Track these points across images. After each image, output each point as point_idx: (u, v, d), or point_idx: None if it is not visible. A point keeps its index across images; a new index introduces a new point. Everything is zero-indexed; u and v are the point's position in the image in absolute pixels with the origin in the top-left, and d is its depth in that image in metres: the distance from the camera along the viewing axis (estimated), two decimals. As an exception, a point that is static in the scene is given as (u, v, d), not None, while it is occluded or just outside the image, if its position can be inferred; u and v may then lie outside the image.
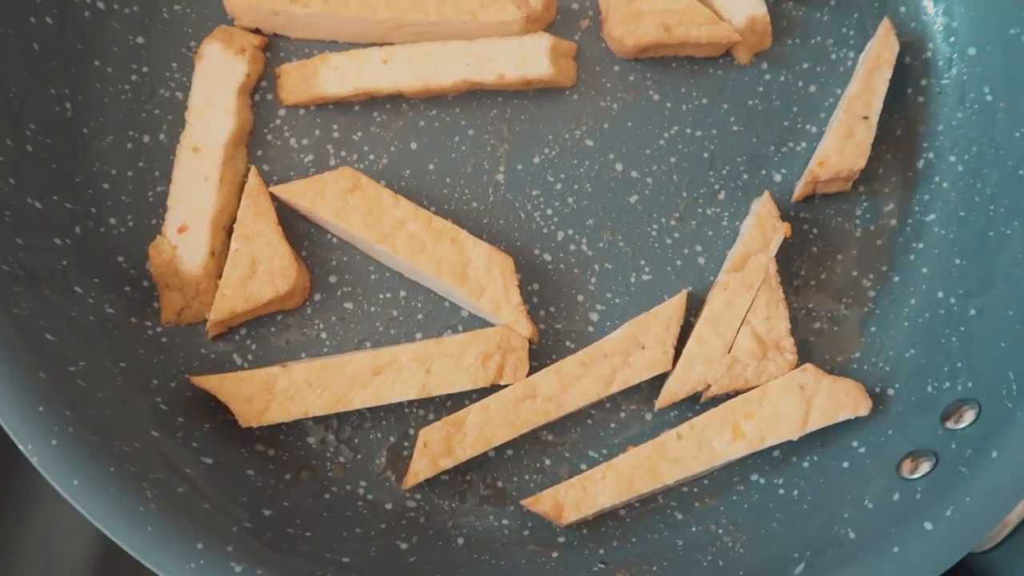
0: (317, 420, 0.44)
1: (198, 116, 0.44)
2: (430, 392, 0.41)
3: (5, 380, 0.34)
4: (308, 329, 0.45)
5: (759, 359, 0.43)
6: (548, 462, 0.45)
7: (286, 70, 0.46)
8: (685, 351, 0.43)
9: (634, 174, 0.47)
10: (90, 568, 0.46)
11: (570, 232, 0.47)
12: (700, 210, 0.47)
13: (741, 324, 0.43)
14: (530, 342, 0.43)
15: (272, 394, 0.40)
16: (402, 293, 0.45)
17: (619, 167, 0.47)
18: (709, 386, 0.43)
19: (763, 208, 0.45)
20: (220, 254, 0.43)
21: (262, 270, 0.42)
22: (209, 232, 0.42)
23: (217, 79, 0.44)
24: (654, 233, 0.47)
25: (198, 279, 0.42)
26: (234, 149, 0.44)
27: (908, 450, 0.41)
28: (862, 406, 0.42)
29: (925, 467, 0.40)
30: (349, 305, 0.45)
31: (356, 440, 0.44)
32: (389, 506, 0.43)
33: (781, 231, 0.44)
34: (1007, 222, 0.45)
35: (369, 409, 0.44)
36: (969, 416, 0.41)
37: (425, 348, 0.42)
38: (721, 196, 0.48)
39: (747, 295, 0.43)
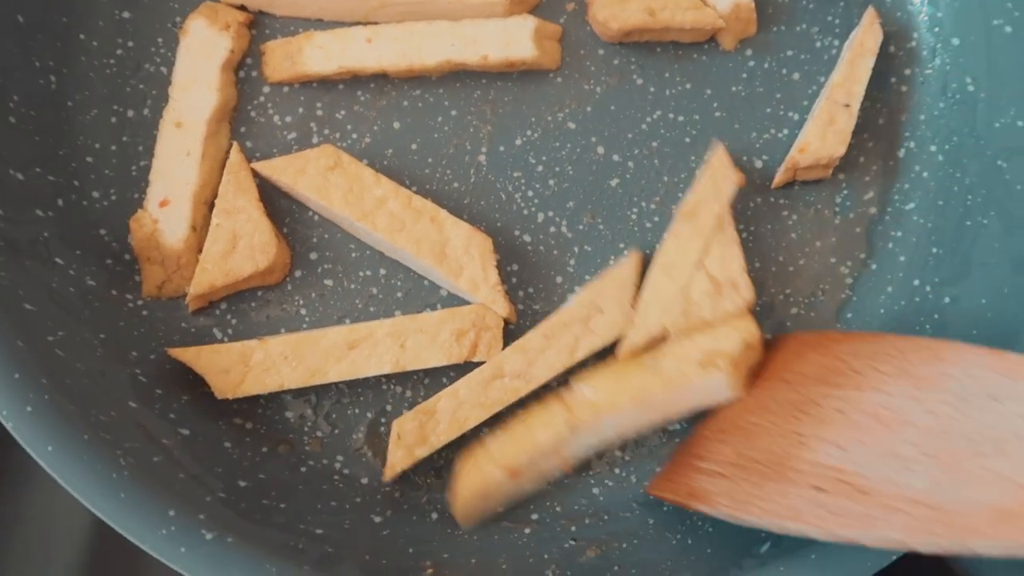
0: (296, 395, 0.44)
1: (182, 91, 0.44)
2: (404, 367, 0.42)
3: (-19, 347, 0.34)
4: (288, 305, 0.45)
5: (713, 297, 0.42)
6: (524, 441, 0.45)
7: (271, 47, 0.46)
8: (640, 301, 0.43)
9: (616, 158, 0.48)
10: (84, 547, 0.47)
11: (550, 214, 0.47)
12: (680, 195, 0.48)
13: (695, 269, 0.43)
14: (507, 322, 0.44)
15: (248, 366, 0.41)
16: (382, 271, 0.46)
17: (601, 150, 0.48)
18: (668, 332, 0.43)
19: (716, 158, 0.45)
20: (201, 229, 0.43)
21: (242, 245, 0.42)
22: (191, 207, 0.43)
23: (201, 55, 0.44)
24: (634, 217, 0.47)
25: (179, 253, 0.42)
26: (217, 125, 0.44)
27: (878, 434, 0.42)
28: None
29: (893, 451, 0.41)
30: (329, 282, 0.46)
31: (334, 415, 0.44)
32: (365, 481, 0.44)
33: (734, 180, 0.44)
34: (984, 212, 0.45)
35: (347, 385, 0.44)
36: (939, 402, 0.41)
37: (400, 324, 0.42)
38: (702, 181, 0.48)
39: (699, 241, 0.43)
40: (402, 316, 0.43)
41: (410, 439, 0.42)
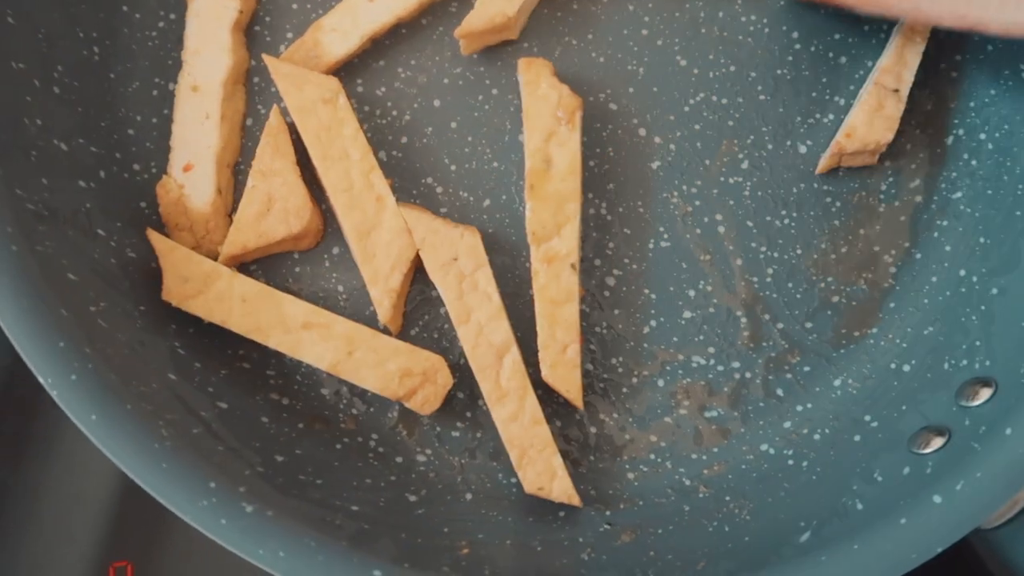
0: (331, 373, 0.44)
1: (194, 55, 0.43)
2: (339, 373, 0.41)
3: (28, 315, 0.34)
4: (324, 282, 0.45)
5: None
6: (559, 424, 0.45)
7: (288, 54, 0.44)
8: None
9: (657, 140, 0.47)
10: (107, 519, 0.47)
11: (590, 195, 0.46)
12: (722, 179, 0.47)
13: None
14: (389, 331, 0.43)
15: (206, 287, 0.40)
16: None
17: (642, 132, 0.47)
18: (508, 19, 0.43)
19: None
20: (227, 192, 0.43)
21: (277, 208, 0.42)
22: (214, 169, 0.43)
23: (210, 17, 0.44)
24: (675, 200, 0.47)
25: (207, 217, 0.42)
26: (233, 87, 0.44)
27: (921, 425, 0.41)
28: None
29: (937, 443, 0.40)
30: (367, 260, 0.45)
31: (369, 394, 0.44)
32: (399, 460, 0.44)
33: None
34: (1035, 201, 0.44)
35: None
36: (985, 394, 0.40)
37: (359, 332, 0.41)
38: (744, 165, 0.47)
39: None
40: (365, 327, 0.42)
41: (543, 474, 0.41)
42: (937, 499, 0.37)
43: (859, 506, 0.39)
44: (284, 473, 0.38)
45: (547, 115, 0.43)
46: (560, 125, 0.43)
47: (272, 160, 0.42)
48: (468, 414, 0.44)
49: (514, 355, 0.42)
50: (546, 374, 0.42)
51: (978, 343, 0.43)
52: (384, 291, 0.42)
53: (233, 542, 0.33)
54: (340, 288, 0.45)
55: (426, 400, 0.42)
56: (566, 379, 0.43)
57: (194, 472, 0.34)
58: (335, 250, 0.45)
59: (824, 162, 0.47)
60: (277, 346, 0.41)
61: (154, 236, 0.41)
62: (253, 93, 0.46)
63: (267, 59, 0.43)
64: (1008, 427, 0.37)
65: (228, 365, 0.42)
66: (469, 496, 0.43)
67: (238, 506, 0.34)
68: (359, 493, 0.40)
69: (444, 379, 0.42)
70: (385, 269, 0.42)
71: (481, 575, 0.36)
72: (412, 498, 0.42)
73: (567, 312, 0.43)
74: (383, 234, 0.42)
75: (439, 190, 0.46)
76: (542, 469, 0.42)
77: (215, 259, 0.43)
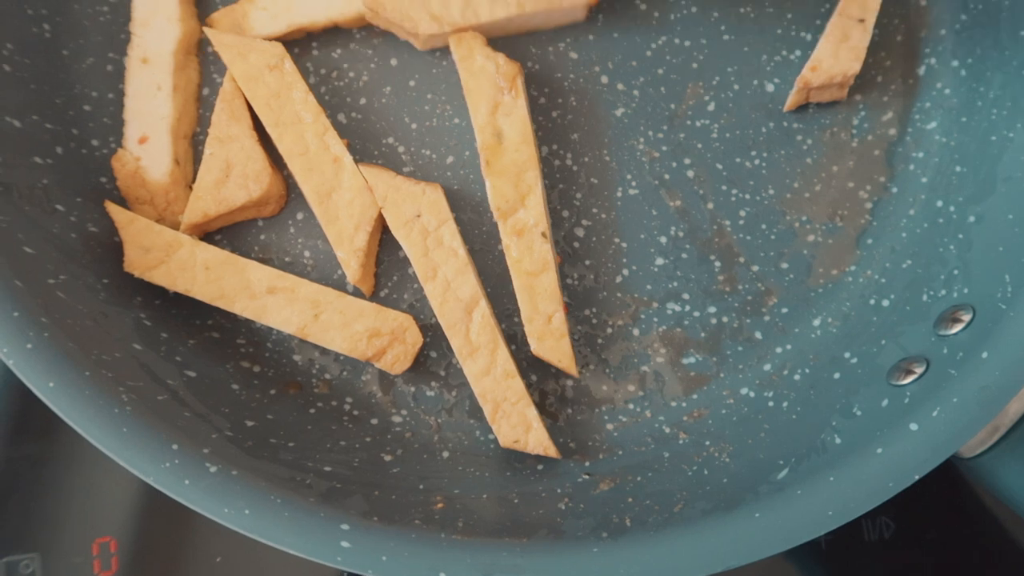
0: (304, 339, 0.44)
1: (142, 27, 0.43)
2: (307, 336, 0.41)
3: (-20, 287, 0.34)
4: (290, 247, 0.45)
5: None
6: (535, 377, 0.44)
7: (216, 18, 0.44)
8: None
9: (620, 87, 0.46)
10: (94, 485, 0.47)
11: (555, 147, 0.46)
12: (689, 122, 0.46)
13: None
14: (362, 294, 0.43)
15: (168, 256, 0.40)
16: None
17: (604, 80, 0.46)
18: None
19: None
20: (186, 162, 0.43)
21: (236, 174, 0.41)
22: (170, 140, 0.42)
23: None
24: (641, 146, 0.46)
25: (166, 188, 0.42)
26: (184, 57, 0.44)
27: (900, 357, 0.41)
28: None
29: (916, 373, 0.39)
30: (332, 224, 0.45)
31: (343, 357, 0.44)
32: (375, 421, 0.43)
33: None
34: (1010, 125, 0.43)
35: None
36: (963, 321, 0.39)
37: (324, 294, 0.41)
38: (711, 108, 0.46)
39: None
40: (331, 289, 0.41)
41: (518, 427, 0.41)
42: (914, 427, 0.36)
43: (837, 441, 0.38)
44: (254, 437, 0.38)
45: (488, 87, 0.42)
46: (503, 95, 0.42)
47: (228, 126, 0.42)
48: (443, 373, 0.44)
49: (483, 309, 0.42)
50: (535, 348, 0.42)
51: (956, 272, 0.42)
52: (351, 252, 0.42)
53: (197, 502, 0.33)
54: (307, 253, 0.44)
55: (396, 360, 0.41)
56: (556, 349, 0.42)
57: (156, 436, 0.34)
58: (299, 215, 0.45)
59: (792, 98, 0.46)
60: (243, 312, 0.41)
61: (112, 208, 0.41)
62: (208, 63, 0.45)
63: (207, 30, 0.43)
64: (984, 351, 0.37)
65: (197, 335, 0.42)
66: (446, 454, 0.43)
67: (202, 467, 0.33)
68: (332, 454, 0.40)
69: (413, 338, 0.42)
70: (349, 229, 0.42)
71: (455, 527, 0.36)
72: (387, 458, 0.41)
73: (545, 281, 0.42)
74: (344, 194, 0.42)
75: (401, 149, 0.45)
76: (517, 422, 0.41)
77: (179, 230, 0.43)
